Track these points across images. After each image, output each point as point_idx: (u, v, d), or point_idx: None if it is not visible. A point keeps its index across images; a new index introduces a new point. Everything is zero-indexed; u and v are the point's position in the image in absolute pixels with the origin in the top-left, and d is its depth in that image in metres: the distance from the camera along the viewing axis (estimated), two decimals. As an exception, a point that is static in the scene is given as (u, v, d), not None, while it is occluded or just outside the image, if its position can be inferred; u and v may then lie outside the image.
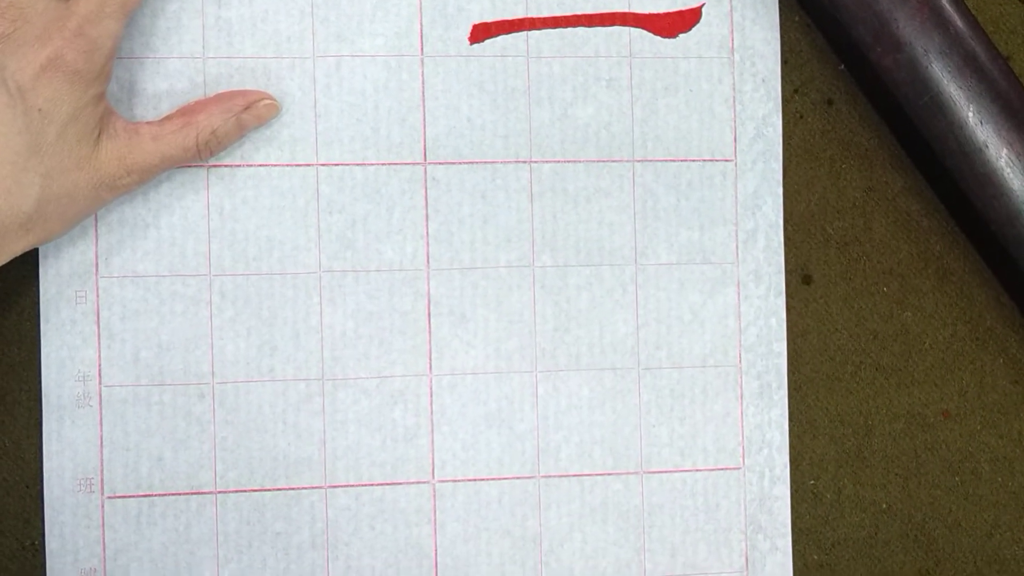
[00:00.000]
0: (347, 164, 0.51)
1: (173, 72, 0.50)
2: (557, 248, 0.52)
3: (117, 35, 0.45)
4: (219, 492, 0.50)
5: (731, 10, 0.53)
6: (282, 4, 0.51)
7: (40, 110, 0.44)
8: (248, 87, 0.50)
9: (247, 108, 0.49)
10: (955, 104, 0.51)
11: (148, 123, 0.48)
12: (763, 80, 0.54)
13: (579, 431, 0.52)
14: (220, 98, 0.49)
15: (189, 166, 0.50)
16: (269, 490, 0.51)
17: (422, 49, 0.52)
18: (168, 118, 0.49)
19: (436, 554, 0.52)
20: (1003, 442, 0.55)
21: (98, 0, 0.45)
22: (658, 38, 0.53)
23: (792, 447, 0.54)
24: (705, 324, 0.53)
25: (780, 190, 0.54)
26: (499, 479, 0.52)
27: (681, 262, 0.53)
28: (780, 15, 0.54)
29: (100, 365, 0.50)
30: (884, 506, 0.55)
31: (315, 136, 0.51)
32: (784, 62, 0.54)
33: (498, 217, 0.52)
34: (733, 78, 0.54)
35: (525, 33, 0.52)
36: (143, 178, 0.48)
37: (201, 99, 0.50)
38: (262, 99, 0.49)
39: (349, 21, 0.51)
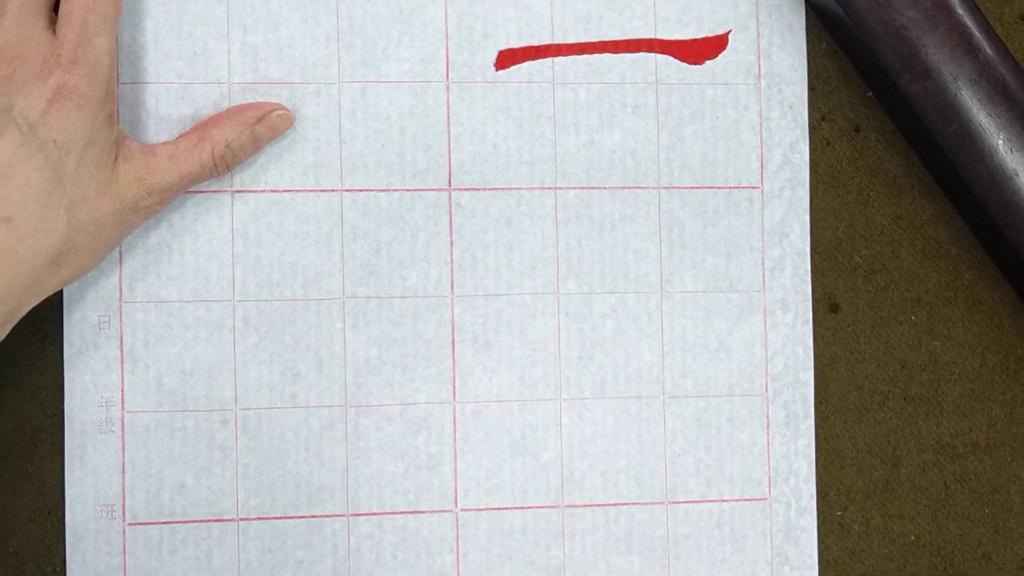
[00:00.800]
0: (372, 190, 0.51)
1: (199, 97, 0.50)
2: (582, 275, 0.52)
3: (111, 50, 0.46)
4: (241, 519, 0.50)
5: (758, 36, 0.53)
6: (308, 29, 0.51)
7: (55, 141, 0.44)
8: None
9: (260, 120, 0.49)
10: (985, 131, 0.50)
11: (163, 143, 0.48)
12: (790, 107, 0.53)
13: (604, 460, 0.52)
14: (233, 111, 0.49)
15: (213, 191, 0.50)
16: (291, 518, 0.50)
17: (447, 75, 0.52)
18: (183, 136, 0.49)
19: (459, 583, 0.51)
20: (1033, 473, 0.55)
21: (81, 22, 0.45)
22: (684, 64, 0.53)
23: (819, 477, 0.53)
24: (731, 352, 0.53)
25: (807, 217, 0.53)
26: (523, 508, 0.51)
27: (707, 290, 0.53)
28: (807, 42, 0.54)
29: (123, 391, 0.50)
30: (913, 538, 0.54)
31: (340, 162, 0.51)
32: (811, 89, 0.54)
33: (523, 244, 0.52)
34: (760, 105, 0.53)
35: (551, 59, 0.52)
36: (165, 198, 0.48)
37: (214, 114, 0.50)
38: (275, 110, 0.49)
39: (375, 46, 0.51)
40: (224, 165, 0.49)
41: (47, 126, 0.44)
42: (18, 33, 0.44)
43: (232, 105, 0.50)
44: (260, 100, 0.50)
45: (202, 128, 0.49)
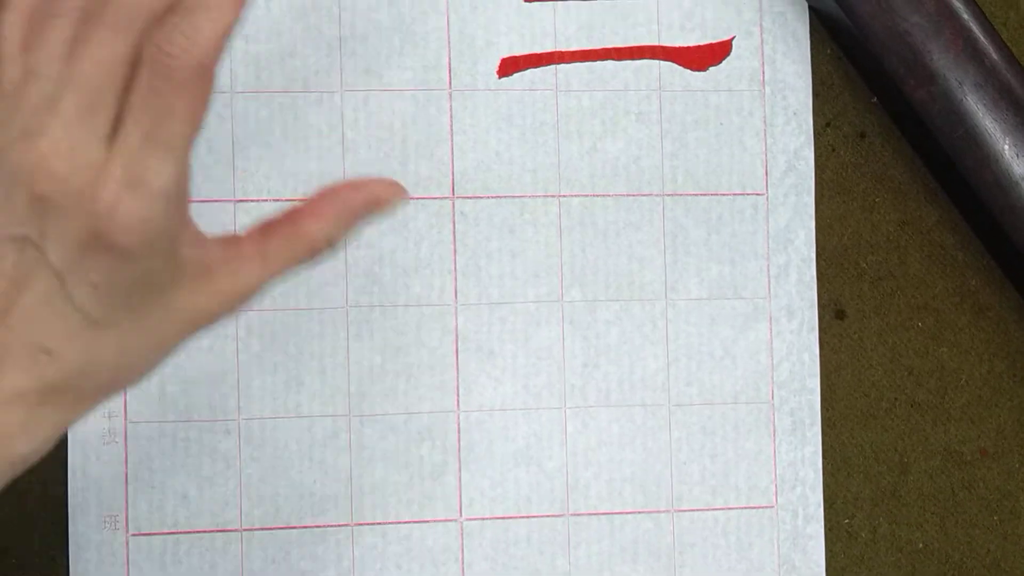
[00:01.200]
0: (375, 198, 0.51)
1: (201, 107, 0.50)
2: (586, 283, 0.52)
3: (174, 189, 0.34)
4: (245, 530, 0.50)
5: (762, 43, 0.53)
6: (310, 38, 0.51)
7: (95, 286, 0.34)
8: (275, 121, 0.50)
9: (367, 205, 0.38)
10: (991, 137, 0.50)
11: (249, 237, 0.38)
12: (794, 113, 0.53)
13: (609, 468, 0.52)
14: (333, 196, 0.38)
15: (216, 200, 0.50)
16: (295, 528, 0.50)
17: (450, 83, 0.51)
18: (272, 228, 0.38)
19: (464, 593, 0.51)
20: (1042, 480, 0.54)
21: (139, 142, 0.33)
22: (688, 71, 0.53)
23: (826, 485, 0.53)
24: (737, 360, 0.53)
25: (812, 224, 0.53)
26: (528, 517, 0.51)
27: (712, 297, 0.52)
28: (811, 48, 0.53)
29: (126, 401, 0.49)
30: (921, 546, 0.54)
31: (343, 171, 0.51)
32: (815, 95, 0.54)
33: (526, 252, 0.52)
34: (764, 111, 0.53)
35: (554, 67, 0.52)
36: (245, 301, 0.38)
37: (310, 199, 0.38)
38: (387, 193, 0.38)
39: (377, 55, 0.51)
40: (320, 257, 0.38)
41: (83, 269, 0.33)
42: (66, 144, 0.33)
43: (330, 185, 0.38)
44: (364, 178, 0.40)
45: (296, 220, 0.38)
